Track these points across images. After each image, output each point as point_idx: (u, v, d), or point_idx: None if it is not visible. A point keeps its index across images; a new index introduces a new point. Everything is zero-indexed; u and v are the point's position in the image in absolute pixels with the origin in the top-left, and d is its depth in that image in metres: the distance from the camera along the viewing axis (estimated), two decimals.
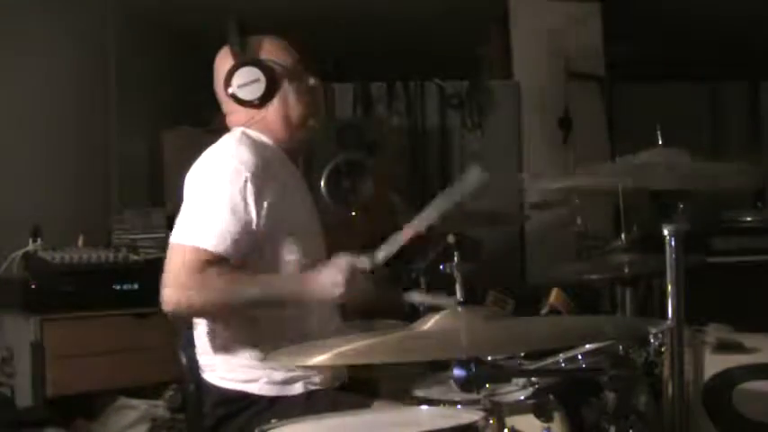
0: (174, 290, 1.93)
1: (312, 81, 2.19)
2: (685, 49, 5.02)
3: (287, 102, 2.15)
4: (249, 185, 1.98)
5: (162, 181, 4.63)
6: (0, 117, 3.69)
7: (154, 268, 3.54)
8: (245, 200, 1.97)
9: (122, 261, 3.51)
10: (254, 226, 1.98)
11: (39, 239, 3.42)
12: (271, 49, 2.16)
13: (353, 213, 3.69)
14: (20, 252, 3.41)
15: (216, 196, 1.98)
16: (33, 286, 3.30)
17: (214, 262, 1.93)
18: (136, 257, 3.58)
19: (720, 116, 5.28)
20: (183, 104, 5.00)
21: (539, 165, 4.64)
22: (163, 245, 3.93)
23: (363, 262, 2.00)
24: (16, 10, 3.78)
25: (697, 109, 5.26)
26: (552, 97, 4.51)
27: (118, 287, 3.43)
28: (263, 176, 2.01)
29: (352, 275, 1.97)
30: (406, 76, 4.84)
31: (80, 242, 3.60)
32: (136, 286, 3.46)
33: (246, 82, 2.11)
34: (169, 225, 4.09)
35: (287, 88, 2.14)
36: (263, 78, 2.10)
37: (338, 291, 1.97)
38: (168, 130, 4.72)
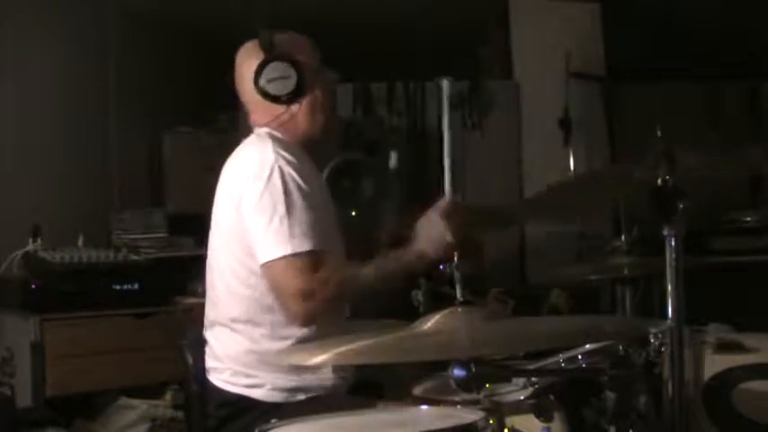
0: (304, 303, 1.94)
1: (333, 78, 2.20)
2: (685, 49, 5.01)
3: (316, 100, 2.14)
4: (300, 180, 2.00)
5: (162, 181, 4.63)
6: (0, 117, 3.69)
7: (154, 268, 3.60)
8: (306, 193, 2.00)
9: (122, 261, 3.51)
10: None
11: (39, 239, 3.42)
12: (299, 47, 2.14)
13: (353, 213, 3.69)
14: (20, 252, 3.41)
15: (282, 199, 1.97)
16: (33, 286, 3.30)
17: (321, 260, 1.95)
18: (136, 257, 3.59)
19: (720, 116, 5.28)
20: (183, 104, 5.00)
21: (539, 165, 4.63)
22: (163, 245, 3.97)
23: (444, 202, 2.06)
24: (16, 10, 3.78)
25: (697, 109, 5.25)
26: (552, 97, 4.51)
27: (118, 287, 3.43)
28: (303, 177, 2.03)
29: (444, 218, 2.01)
30: (406, 76, 4.84)
31: (80, 242, 3.60)
32: (136, 286, 3.46)
33: (276, 77, 2.07)
34: (169, 225, 4.12)
35: (315, 86, 2.13)
36: (293, 74, 2.06)
37: (447, 238, 1.99)
38: (168, 130, 4.72)
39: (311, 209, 1.98)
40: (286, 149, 2.05)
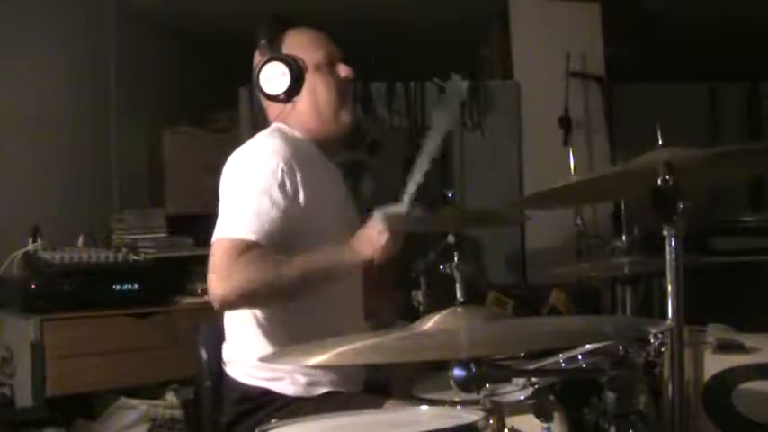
0: (218, 282, 1.91)
1: (343, 73, 2.19)
2: (685, 49, 5.01)
3: (316, 95, 2.16)
4: (281, 174, 2.00)
5: (162, 181, 4.64)
6: (0, 117, 3.69)
7: (154, 268, 3.60)
8: (278, 187, 1.99)
9: (122, 261, 3.51)
10: (288, 214, 1.99)
11: (39, 239, 3.42)
12: (298, 43, 2.17)
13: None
14: (20, 252, 3.41)
15: (249, 186, 1.99)
16: (33, 286, 3.29)
17: (253, 249, 1.93)
18: (136, 257, 3.58)
19: (720, 116, 5.28)
20: (183, 104, 5.00)
21: (539, 165, 4.64)
22: (163, 245, 3.96)
23: (394, 211, 1.97)
24: (16, 10, 3.78)
25: (697, 109, 5.25)
26: (552, 97, 4.51)
27: (118, 287, 3.42)
28: (294, 166, 2.03)
29: (383, 231, 1.95)
30: (406, 76, 4.84)
31: (80, 242, 3.60)
32: (136, 286, 3.46)
33: (272, 77, 2.14)
34: (169, 225, 4.12)
35: (315, 81, 2.15)
36: (287, 72, 2.12)
37: (372, 250, 1.96)
38: (168, 130, 4.72)
39: (275, 201, 1.97)
40: (287, 141, 2.08)
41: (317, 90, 2.15)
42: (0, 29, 3.71)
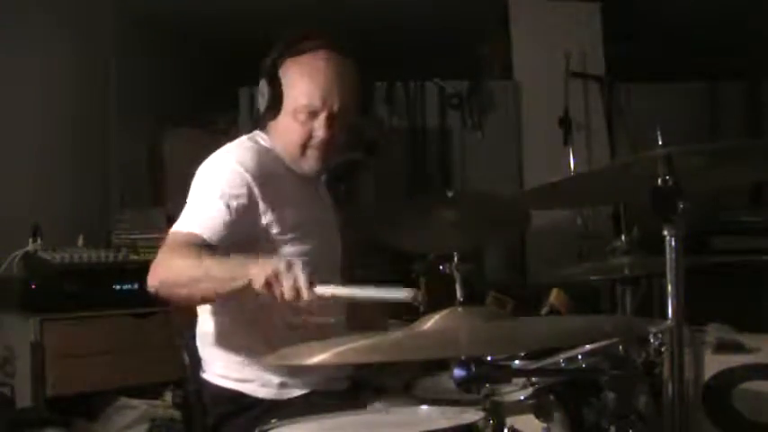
0: (153, 267, 1.94)
1: (316, 134, 2.13)
2: (685, 49, 5.01)
3: (285, 134, 2.15)
4: (240, 183, 2.01)
5: (162, 181, 4.64)
6: (0, 117, 3.69)
7: None
8: (235, 196, 2.00)
9: (122, 261, 3.51)
10: (243, 222, 2.00)
11: (39, 239, 3.42)
12: (293, 76, 2.14)
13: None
14: (20, 252, 3.41)
15: (210, 191, 2.01)
16: (33, 286, 3.30)
17: (194, 244, 1.94)
18: (136, 257, 3.58)
19: (720, 116, 5.28)
20: (183, 104, 5.00)
21: (539, 165, 4.64)
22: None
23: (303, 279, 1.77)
24: (17, 10, 3.78)
25: (697, 109, 5.25)
26: (552, 97, 4.51)
27: (118, 287, 3.43)
28: (257, 177, 2.03)
29: (279, 276, 1.77)
30: (406, 76, 4.84)
31: (80, 242, 3.60)
32: (136, 286, 3.46)
33: (262, 92, 2.15)
34: (169, 225, 4.11)
35: (287, 122, 2.14)
36: (267, 95, 2.13)
37: (258, 281, 1.78)
38: (168, 131, 4.72)
39: (231, 207, 1.98)
40: (256, 152, 2.10)
41: (287, 130, 2.14)
42: (0, 29, 3.72)
